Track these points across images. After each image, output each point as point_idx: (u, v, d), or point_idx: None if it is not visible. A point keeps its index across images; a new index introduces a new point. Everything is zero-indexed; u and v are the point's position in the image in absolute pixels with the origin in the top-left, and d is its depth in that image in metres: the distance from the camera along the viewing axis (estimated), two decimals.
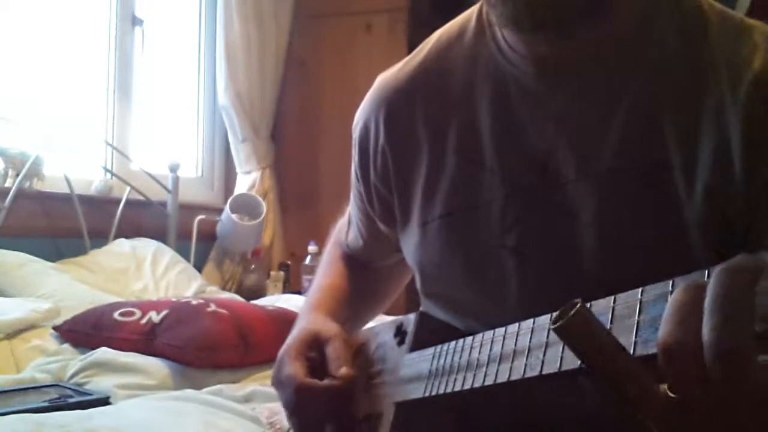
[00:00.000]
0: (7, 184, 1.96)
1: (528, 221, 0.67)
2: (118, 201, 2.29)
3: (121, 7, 2.50)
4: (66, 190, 2.09)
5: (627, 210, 0.63)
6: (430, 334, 0.70)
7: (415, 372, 0.69)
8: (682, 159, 0.61)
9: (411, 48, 0.81)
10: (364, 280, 0.93)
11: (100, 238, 2.20)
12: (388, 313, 1.15)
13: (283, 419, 1.24)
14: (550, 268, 0.66)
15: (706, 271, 0.39)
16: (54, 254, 2.06)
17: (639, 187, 0.62)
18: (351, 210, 0.91)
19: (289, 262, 2.84)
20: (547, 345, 0.50)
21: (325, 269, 0.94)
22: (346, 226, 0.94)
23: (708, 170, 0.59)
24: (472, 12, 0.74)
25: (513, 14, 0.61)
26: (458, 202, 0.71)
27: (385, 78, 0.80)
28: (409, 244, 0.78)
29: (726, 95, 0.59)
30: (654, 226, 0.62)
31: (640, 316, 0.42)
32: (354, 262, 0.94)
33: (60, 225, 2.11)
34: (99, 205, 2.25)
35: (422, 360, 0.68)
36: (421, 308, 0.78)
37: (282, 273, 2.78)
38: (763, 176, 0.58)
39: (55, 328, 1.60)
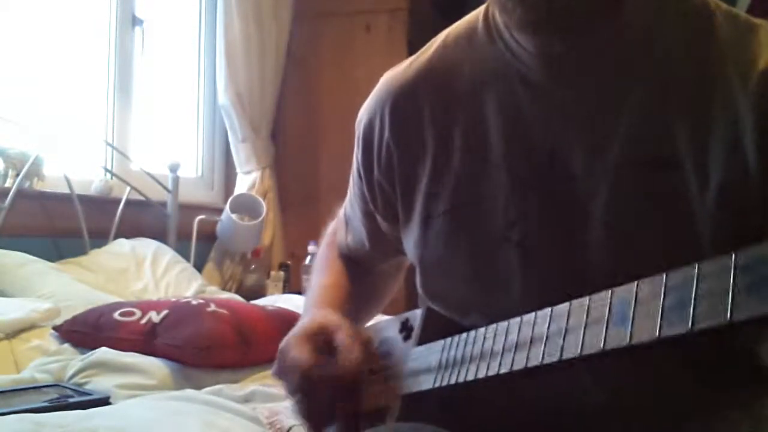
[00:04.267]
0: (7, 184, 1.96)
1: (532, 216, 0.67)
2: (118, 201, 2.29)
3: (121, 7, 2.50)
4: (66, 190, 2.09)
5: (637, 205, 0.63)
6: (437, 329, 0.71)
7: (424, 364, 0.69)
8: (693, 156, 0.61)
9: (411, 48, 0.81)
10: (363, 279, 0.93)
11: (100, 238, 2.20)
12: (386, 313, 1.15)
13: (283, 419, 1.24)
14: (554, 262, 0.66)
15: (733, 254, 0.40)
16: (54, 254, 2.06)
17: (648, 182, 0.63)
18: (350, 213, 0.91)
19: (289, 262, 2.84)
20: (566, 331, 0.51)
21: (323, 269, 0.94)
22: (343, 228, 0.94)
23: (721, 166, 0.60)
24: (479, 12, 0.75)
25: (532, 18, 0.62)
26: (462, 197, 0.72)
27: (391, 75, 0.80)
28: (411, 240, 0.78)
29: (736, 92, 0.60)
30: (663, 221, 0.62)
31: (665, 301, 0.43)
32: (351, 262, 0.94)
33: (60, 225, 2.11)
34: (99, 205, 2.25)
35: (431, 353, 0.69)
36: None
37: (282, 273, 2.78)
38: None
39: (55, 328, 1.59)
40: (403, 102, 0.77)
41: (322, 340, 0.73)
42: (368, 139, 0.80)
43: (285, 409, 1.27)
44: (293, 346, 0.73)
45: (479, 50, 0.72)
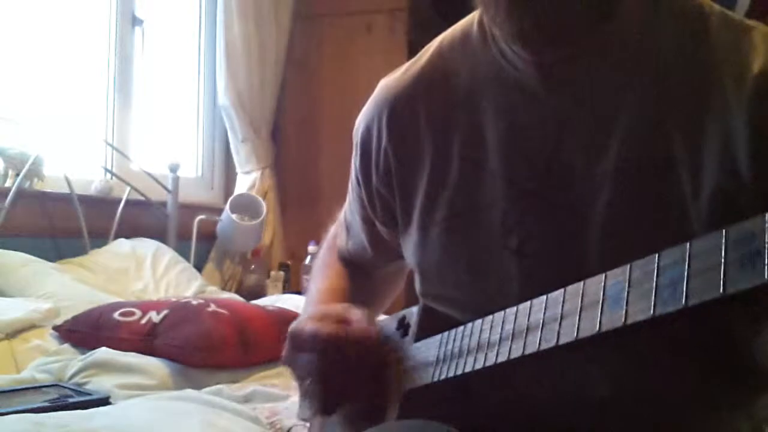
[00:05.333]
0: (7, 184, 1.96)
1: (530, 223, 0.67)
2: (118, 201, 2.29)
3: (121, 7, 2.50)
4: (66, 190, 2.09)
5: (634, 209, 0.63)
6: (433, 325, 0.71)
7: (423, 359, 0.69)
8: (687, 158, 0.61)
9: (411, 48, 0.82)
10: (363, 283, 0.93)
11: (100, 238, 2.20)
12: (386, 314, 1.15)
13: (283, 419, 1.24)
14: (552, 269, 0.66)
15: (723, 231, 0.40)
16: (54, 254, 2.06)
17: (646, 186, 0.63)
18: (350, 219, 0.91)
19: (289, 262, 2.84)
20: (562, 317, 0.51)
21: (323, 273, 0.94)
22: (343, 233, 0.94)
23: (715, 169, 0.60)
24: (473, 17, 0.75)
25: (521, 33, 0.62)
26: (460, 204, 0.72)
27: (387, 82, 0.80)
28: (410, 246, 0.78)
29: (730, 95, 0.60)
30: (660, 224, 0.62)
31: (658, 280, 0.44)
32: (352, 265, 0.94)
33: (60, 225, 2.11)
34: (99, 205, 2.25)
35: (429, 348, 0.69)
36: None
37: (282, 273, 2.78)
38: None
39: (55, 328, 1.60)
40: (400, 109, 0.77)
41: (334, 319, 0.73)
42: (366, 146, 0.80)
43: (285, 409, 1.27)
44: (307, 324, 0.72)
45: (474, 56, 0.72)
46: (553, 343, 0.51)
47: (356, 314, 0.72)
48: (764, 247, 0.38)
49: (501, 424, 0.70)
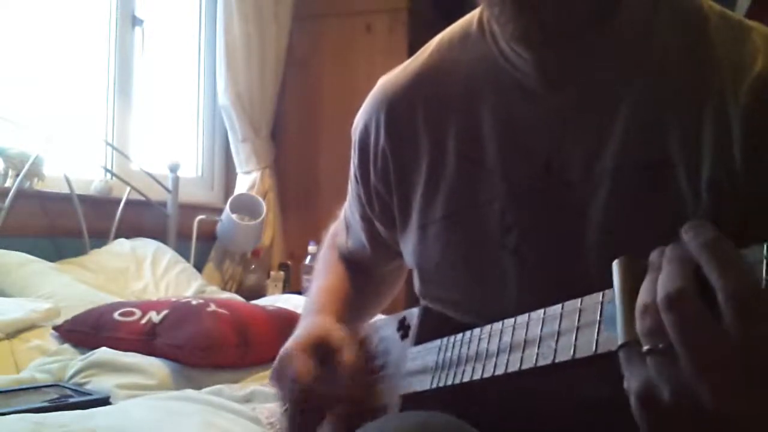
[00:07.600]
0: (7, 184, 1.96)
1: (529, 222, 0.67)
2: (118, 201, 2.29)
3: (121, 7, 2.50)
4: (66, 190, 2.09)
5: (633, 208, 0.63)
6: (434, 328, 0.71)
7: (421, 364, 0.69)
8: (685, 158, 0.61)
9: (411, 48, 0.82)
10: (364, 281, 0.93)
11: (100, 238, 2.20)
12: (386, 312, 1.15)
13: None
14: (551, 268, 0.66)
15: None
16: (54, 254, 2.06)
17: (644, 185, 0.63)
18: (350, 217, 0.91)
19: (289, 262, 2.84)
20: (559, 334, 0.51)
21: (324, 272, 0.94)
22: (343, 232, 0.94)
23: (713, 168, 0.60)
24: (473, 16, 0.75)
25: (523, 33, 0.62)
26: (458, 203, 0.72)
27: (386, 80, 0.80)
28: (409, 246, 0.78)
29: (728, 95, 0.60)
30: (660, 223, 0.62)
31: None
32: (352, 264, 0.94)
33: (60, 225, 2.11)
34: (99, 205, 2.25)
35: (428, 352, 0.69)
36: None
37: (282, 273, 2.78)
38: (762, 176, 0.58)
39: (55, 328, 1.59)
40: (398, 107, 0.77)
41: (322, 353, 0.74)
42: (364, 144, 0.80)
43: None
44: (294, 357, 0.74)
45: (474, 55, 0.72)
46: (549, 360, 0.51)
47: (347, 360, 0.73)
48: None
49: (500, 422, 0.70)
